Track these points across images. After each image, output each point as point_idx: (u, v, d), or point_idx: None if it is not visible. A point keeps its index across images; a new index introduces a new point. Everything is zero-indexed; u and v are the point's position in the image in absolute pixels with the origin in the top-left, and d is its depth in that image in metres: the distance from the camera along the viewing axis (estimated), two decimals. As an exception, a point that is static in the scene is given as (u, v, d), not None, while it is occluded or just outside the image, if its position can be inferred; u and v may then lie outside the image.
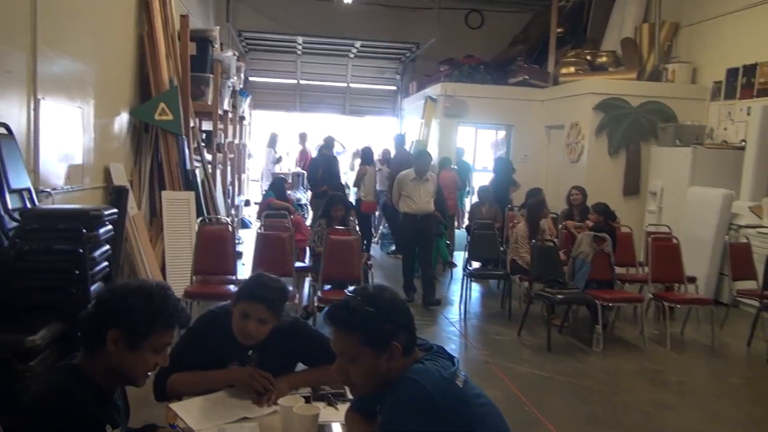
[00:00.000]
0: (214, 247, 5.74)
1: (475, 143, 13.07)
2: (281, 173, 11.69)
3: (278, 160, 13.20)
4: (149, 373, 1.77)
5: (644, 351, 5.91)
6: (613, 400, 4.72)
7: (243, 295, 2.30)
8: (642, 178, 9.61)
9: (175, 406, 2.17)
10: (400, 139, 10.70)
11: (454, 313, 7.11)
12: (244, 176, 13.15)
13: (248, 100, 12.83)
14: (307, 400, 2.19)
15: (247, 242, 9.24)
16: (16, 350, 2.94)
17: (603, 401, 4.67)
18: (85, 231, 3.42)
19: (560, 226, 7.43)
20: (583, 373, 5.22)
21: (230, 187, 10.52)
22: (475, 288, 8.15)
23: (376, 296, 1.72)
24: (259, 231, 6.18)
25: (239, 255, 7.46)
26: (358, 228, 6.96)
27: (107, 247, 3.83)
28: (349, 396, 2.30)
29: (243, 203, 12.61)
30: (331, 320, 1.76)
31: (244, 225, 11.66)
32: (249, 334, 2.29)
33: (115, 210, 3.98)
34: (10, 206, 3.47)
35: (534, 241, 6.49)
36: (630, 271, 7.43)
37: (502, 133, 12.00)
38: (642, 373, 5.35)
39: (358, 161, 11.17)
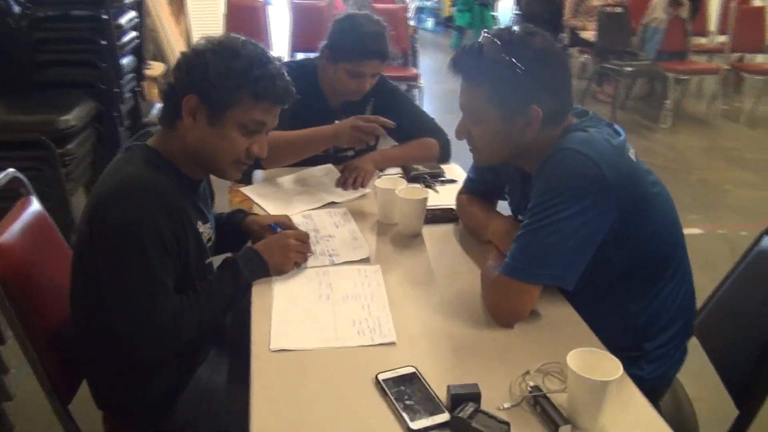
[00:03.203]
0: (245, 19, 5.18)
1: None
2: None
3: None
4: (242, 164, 1.34)
5: (715, 127, 5.48)
6: (689, 179, 4.40)
7: (357, 54, 1.86)
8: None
9: (247, 190, 1.84)
10: None
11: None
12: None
13: None
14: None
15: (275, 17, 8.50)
16: (50, 131, 2.60)
17: (677, 180, 4.35)
18: (105, -7, 2.90)
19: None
20: (651, 151, 4.85)
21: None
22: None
23: (520, 42, 1.26)
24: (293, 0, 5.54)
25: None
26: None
27: (134, 14, 3.31)
28: (449, 176, 1.95)
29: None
30: (457, 67, 1.32)
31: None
32: (363, 91, 1.94)
33: (136, -32, 3.39)
34: (12, -35, 2.90)
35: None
36: (700, 40, 6.72)
37: None
38: (715, 150, 4.98)
39: None
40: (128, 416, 1.40)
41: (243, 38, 1.31)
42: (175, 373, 1.38)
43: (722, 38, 6.18)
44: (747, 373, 1.35)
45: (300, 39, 5.28)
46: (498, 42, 1.27)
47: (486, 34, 1.30)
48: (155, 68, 4.37)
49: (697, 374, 1.54)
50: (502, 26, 1.39)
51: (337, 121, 1.86)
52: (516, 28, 1.31)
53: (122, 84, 3.06)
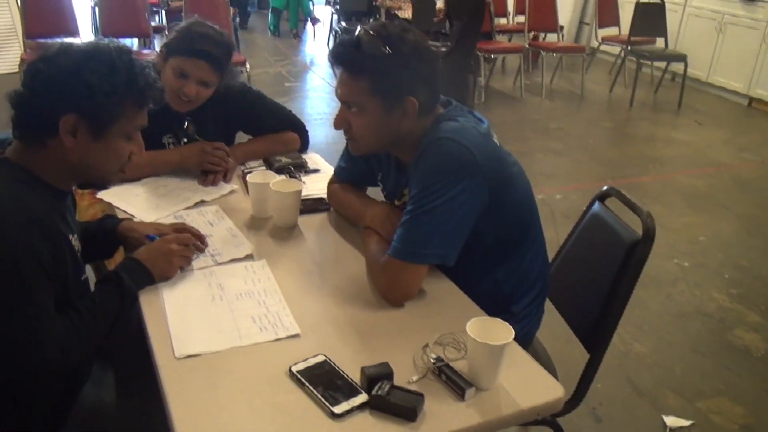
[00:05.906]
0: (47, 1, 4.74)
1: None
2: None
3: None
4: (124, 167, 1.30)
5: (521, 101, 6.03)
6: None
7: (181, 50, 1.77)
8: None
9: (106, 196, 1.74)
10: None
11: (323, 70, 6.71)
12: None
13: None
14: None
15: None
16: None
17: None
18: None
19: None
20: (471, 126, 5.24)
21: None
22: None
23: (398, 37, 1.34)
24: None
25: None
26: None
27: None
28: (312, 166, 2.00)
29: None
30: (336, 59, 1.39)
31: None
32: (186, 99, 1.83)
33: None
34: None
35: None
36: (501, 21, 7.32)
37: None
38: (524, 122, 5.49)
39: None
40: (6, 449, 1.30)
41: (107, 42, 1.24)
42: (58, 395, 1.31)
43: (520, 18, 6.77)
44: (593, 320, 1.57)
45: (112, 25, 4.91)
46: (375, 36, 1.34)
47: (363, 29, 1.36)
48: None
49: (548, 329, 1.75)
50: (377, 21, 1.48)
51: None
52: (393, 24, 1.39)
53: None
